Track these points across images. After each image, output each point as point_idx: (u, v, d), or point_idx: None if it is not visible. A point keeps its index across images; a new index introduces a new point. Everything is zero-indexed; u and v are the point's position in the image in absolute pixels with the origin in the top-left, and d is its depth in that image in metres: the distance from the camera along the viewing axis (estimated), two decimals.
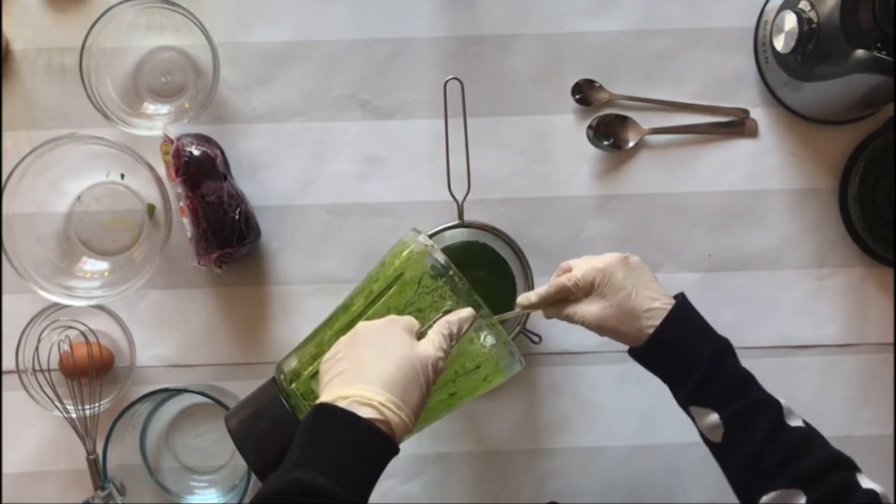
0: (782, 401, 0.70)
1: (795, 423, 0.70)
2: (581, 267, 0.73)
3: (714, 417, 0.69)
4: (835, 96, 0.87)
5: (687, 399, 0.71)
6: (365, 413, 0.59)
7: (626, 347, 0.82)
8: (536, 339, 0.87)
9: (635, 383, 0.92)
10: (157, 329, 0.92)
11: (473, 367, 0.72)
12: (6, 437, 0.91)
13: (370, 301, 0.73)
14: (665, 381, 0.73)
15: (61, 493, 0.91)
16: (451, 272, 0.70)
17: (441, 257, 0.70)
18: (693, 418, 0.71)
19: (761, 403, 0.70)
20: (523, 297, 0.76)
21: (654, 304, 0.71)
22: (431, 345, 0.64)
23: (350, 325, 0.70)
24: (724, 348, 0.71)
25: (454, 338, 0.66)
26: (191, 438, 0.93)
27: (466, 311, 0.68)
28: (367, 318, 0.70)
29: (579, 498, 0.92)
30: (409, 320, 0.67)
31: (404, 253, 0.73)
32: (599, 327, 0.73)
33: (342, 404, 0.59)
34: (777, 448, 0.68)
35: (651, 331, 0.71)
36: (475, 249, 0.89)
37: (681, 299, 0.73)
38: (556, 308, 0.75)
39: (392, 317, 0.67)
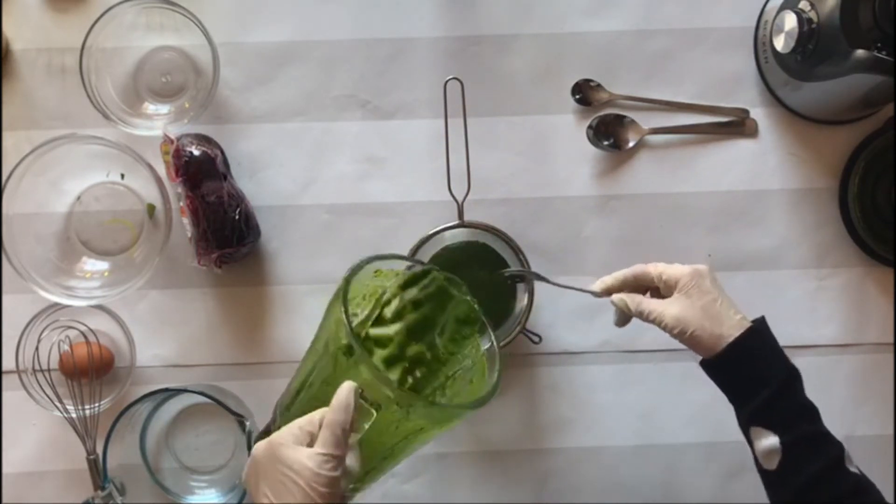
0: (844, 445, 0.69)
1: (853, 468, 0.68)
2: (673, 269, 0.73)
3: (774, 441, 0.67)
4: (835, 96, 0.87)
5: (751, 418, 0.70)
6: None
7: (639, 348, 0.82)
8: (536, 338, 0.87)
9: (635, 383, 0.92)
10: (157, 329, 0.92)
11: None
12: (6, 437, 0.91)
13: (305, 378, 0.70)
14: (731, 396, 0.71)
15: (61, 493, 0.91)
16: (356, 353, 0.63)
17: (347, 331, 0.64)
18: (751, 441, 0.70)
19: (825, 438, 0.68)
20: (599, 282, 0.76)
21: (737, 317, 0.71)
22: (310, 461, 0.60)
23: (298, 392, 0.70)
24: (796, 375, 0.70)
25: (341, 440, 0.61)
26: (191, 438, 0.93)
27: (343, 396, 0.62)
28: (295, 408, 0.69)
29: (579, 498, 0.92)
30: (294, 434, 0.62)
31: (330, 321, 0.67)
32: (678, 327, 0.71)
33: None
34: (831, 488, 0.66)
35: (730, 340, 0.70)
36: (475, 249, 0.89)
37: (762, 320, 0.72)
38: (634, 301, 0.74)
39: (276, 439, 0.63)
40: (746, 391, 0.70)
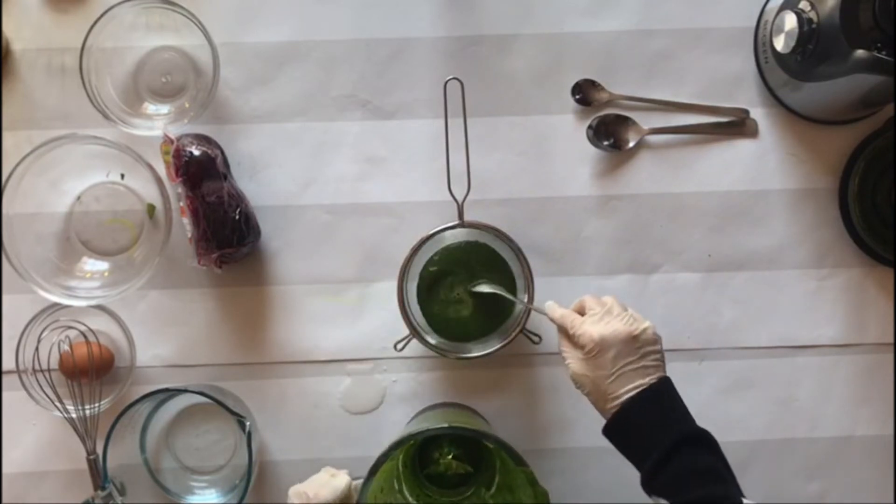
0: (750, 503, 0.66)
1: None
2: (587, 327, 0.72)
3: None
4: (835, 96, 0.87)
5: (644, 486, 0.69)
6: None
7: None
8: (536, 338, 0.87)
9: None
10: (157, 329, 0.92)
11: None
12: (6, 437, 0.91)
13: None
14: (632, 463, 0.71)
15: (61, 493, 0.91)
16: None
17: None
18: None
19: (718, 500, 0.66)
20: (552, 307, 0.77)
21: (627, 393, 0.70)
22: None
23: None
24: (688, 438, 0.69)
25: None
26: (191, 438, 0.93)
27: None
28: None
29: (580, 498, 0.92)
30: None
31: None
32: (577, 382, 0.74)
33: None
34: None
35: (610, 414, 0.70)
36: (475, 249, 0.89)
37: (655, 386, 0.70)
38: (567, 318, 0.75)
39: None
40: (636, 459, 0.70)
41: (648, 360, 0.71)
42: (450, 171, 0.84)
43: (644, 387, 0.70)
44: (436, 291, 0.89)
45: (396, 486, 0.85)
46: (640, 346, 0.71)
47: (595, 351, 0.71)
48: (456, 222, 0.85)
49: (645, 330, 0.72)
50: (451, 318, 0.89)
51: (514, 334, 0.85)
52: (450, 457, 0.86)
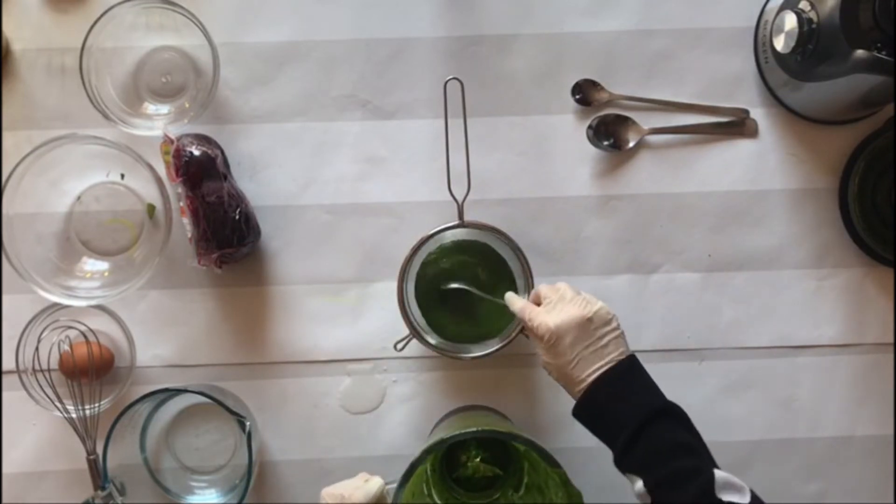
0: (723, 473, 0.67)
1: (732, 498, 0.66)
2: (543, 317, 0.74)
3: (640, 485, 0.68)
4: (835, 96, 0.87)
5: (617, 465, 0.71)
6: None
7: (639, 349, 0.86)
8: None
9: None
10: (158, 329, 0.92)
11: None
12: (6, 437, 0.91)
13: None
14: (605, 444, 0.73)
15: (61, 493, 0.91)
16: None
17: None
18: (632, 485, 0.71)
19: (689, 473, 0.67)
20: (511, 299, 0.81)
21: (590, 376, 0.72)
22: None
23: None
24: (657, 413, 0.69)
25: None
26: (191, 438, 0.93)
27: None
28: None
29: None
30: None
31: None
32: (546, 371, 0.76)
33: None
34: None
35: (577, 396, 0.72)
36: (475, 249, 0.89)
37: (619, 365, 0.72)
38: (527, 310, 0.77)
39: None
40: (608, 439, 0.71)
41: (606, 340, 0.72)
42: (450, 171, 0.84)
43: (606, 367, 0.71)
44: (435, 291, 0.89)
45: (426, 491, 0.85)
46: (596, 328, 0.73)
47: (553, 340, 0.73)
48: (456, 222, 0.85)
49: (597, 312, 0.73)
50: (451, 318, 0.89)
51: (513, 335, 0.85)
52: (477, 459, 0.86)
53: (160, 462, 0.92)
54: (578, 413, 0.73)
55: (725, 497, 0.65)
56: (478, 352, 0.86)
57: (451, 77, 0.83)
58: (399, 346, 0.85)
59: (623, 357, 0.72)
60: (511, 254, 0.87)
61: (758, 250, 0.93)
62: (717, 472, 0.66)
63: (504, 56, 0.94)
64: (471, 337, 0.89)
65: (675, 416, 0.70)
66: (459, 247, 0.89)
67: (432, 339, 0.86)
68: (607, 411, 0.71)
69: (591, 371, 0.71)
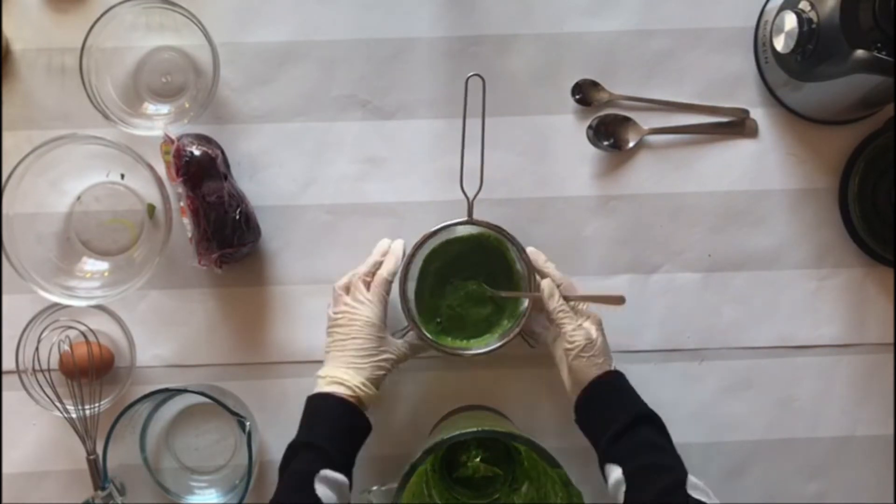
0: (693, 479, 0.73)
1: (702, 497, 0.72)
2: (587, 325, 0.82)
3: (618, 472, 0.74)
4: (835, 96, 0.87)
5: (602, 456, 0.78)
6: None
7: (639, 348, 0.92)
8: (533, 343, 0.87)
9: (635, 384, 0.92)
10: (158, 329, 0.92)
11: None
12: (6, 437, 0.91)
13: None
14: (591, 441, 0.80)
15: (61, 493, 0.91)
16: None
17: None
18: (606, 480, 0.77)
19: (666, 468, 0.74)
20: (550, 286, 0.83)
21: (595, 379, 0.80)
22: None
23: None
24: (646, 417, 0.78)
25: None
26: (191, 438, 0.93)
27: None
28: None
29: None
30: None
31: None
32: (558, 364, 0.83)
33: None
34: None
35: (584, 388, 0.80)
36: (480, 247, 0.88)
37: (618, 372, 0.81)
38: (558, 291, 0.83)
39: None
40: (599, 432, 0.79)
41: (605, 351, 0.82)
42: (464, 166, 0.83)
43: (605, 374, 0.81)
44: (438, 288, 0.88)
45: (426, 491, 0.85)
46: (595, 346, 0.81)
47: (584, 346, 0.80)
48: (465, 219, 0.84)
49: (600, 323, 0.83)
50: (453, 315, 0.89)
51: (511, 335, 0.85)
52: (477, 459, 0.86)
53: (160, 462, 0.92)
54: (580, 405, 0.81)
55: (695, 495, 0.71)
56: (477, 349, 0.86)
57: (472, 73, 0.82)
58: (398, 335, 0.85)
59: (612, 370, 0.81)
60: (516, 255, 0.86)
61: (758, 250, 0.93)
62: (690, 476, 0.73)
63: (504, 56, 0.94)
64: (470, 335, 0.89)
65: (659, 424, 0.78)
66: (464, 243, 0.88)
67: (429, 334, 0.85)
68: (606, 407, 0.80)
69: (594, 374, 0.80)
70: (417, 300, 0.87)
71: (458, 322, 0.89)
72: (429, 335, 0.85)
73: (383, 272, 0.83)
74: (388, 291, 0.83)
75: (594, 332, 0.81)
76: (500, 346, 0.85)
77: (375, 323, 0.81)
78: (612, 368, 0.81)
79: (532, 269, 0.85)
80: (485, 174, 0.91)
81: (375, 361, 0.81)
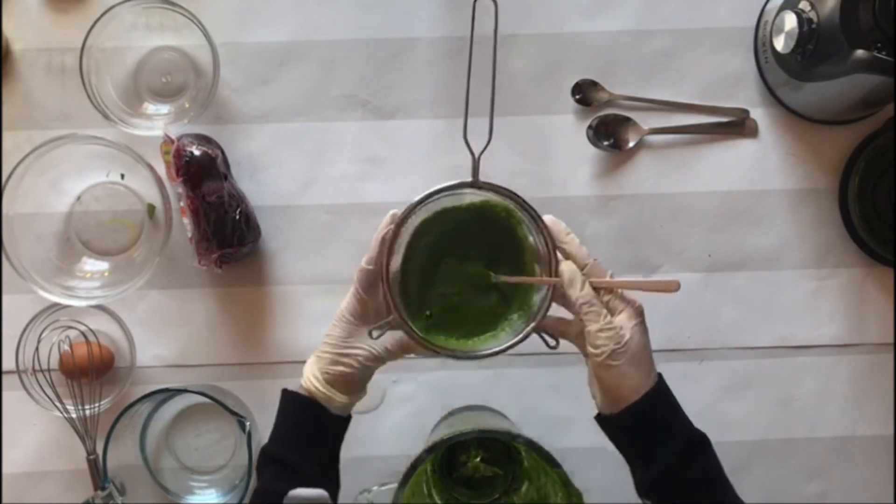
0: None
1: None
2: (611, 323, 0.67)
3: None
4: (835, 96, 0.87)
5: (643, 490, 0.67)
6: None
7: None
8: (553, 343, 0.73)
9: None
10: (158, 329, 0.92)
11: None
12: (6, 438, 0.91)
13: None
14: (628, 459, 0.68)
15: (61, 494, 0.91)
16: None
17: None
18: None
19: None
20: (570, 269, 0.69)
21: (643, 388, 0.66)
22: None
23: None
24: (698, 444, 0.66)
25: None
26: (191, 438, 0.93)
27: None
28: None
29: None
30: None
31: None
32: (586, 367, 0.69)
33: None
34: None
35: (635, 399, 0.66)
36: (484, 216, 0.73)
37: (661, 380, 0.68)
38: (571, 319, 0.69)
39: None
40: (637, 458, 0.67)
41: (649, 346, 0.69)
42: (468, 113, 0.70)
43: (651, 384, 0.67)
44: (428, 271, 0.74)
45: (426, 491, 0.85)
46: (645, 329, 0.69)
47: (612, 352, 0.66)
48: (468, 180, 0.70)
49: (642, 319, 0.70)
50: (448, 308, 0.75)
51: (525, 331, 0.71)
52: (477, 459, 0.86)
53: (160, 462, 0.92)
54: (620, 421, 0.67)
55: None
56: (480, 350, 0.72)
57: None
58: (375, 333, 0.71)
59: (658, 377, 0.68)
60: (531, 229, 0.72)
61: (758, 250, 0.93)
62: None
63: (504, 56, 0.93)
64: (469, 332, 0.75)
65: (710, 449, 0.67)
66: (463, 213, 0.73)
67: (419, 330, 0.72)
68: (654, 426, 0.66)
69: (644, 385, 0.66)
70: (403, 287, 0.73)
71: (454, 315, 0.75)
72: (417, 331, 0.71)
73: (363, 260, 0.70)
74: (367, 282, 0.70)
75: (627, 332, 0.66)
76: (510, 348, 0.72)
77: (346, 316, 0.71)
78: (654, 379, 0.67)
79: (553, 248, 0.70)
80: (485, 174, 0.91)
81: (335, 355, 0.70)
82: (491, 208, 0.73)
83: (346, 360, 0.71)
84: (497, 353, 0.72)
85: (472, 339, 0.75)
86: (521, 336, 0.71)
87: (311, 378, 0.71)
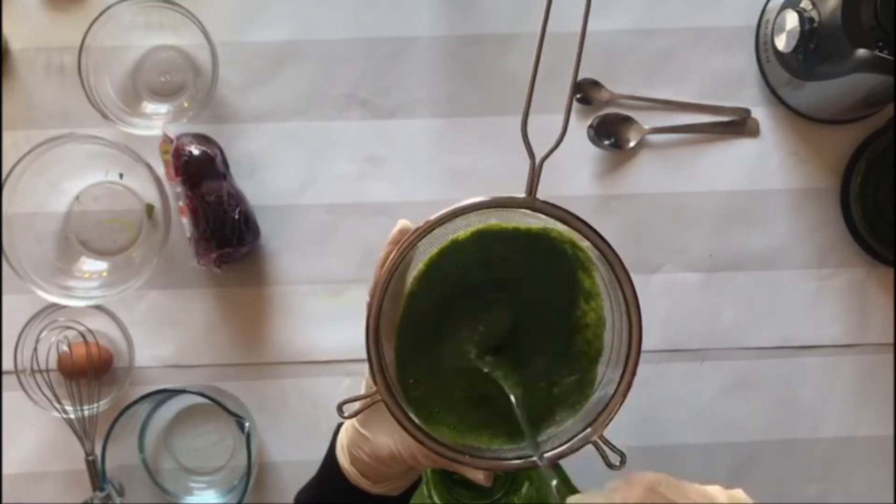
0: None
1: None
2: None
3: None
4: (836, 96, 0.87)
5: None
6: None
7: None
8: (617, 459, 0.56)
9: (635, 385, 0.92)
10: (157, 329, 0.92)
11: None
12: (4, 438, 0.91)
13: None
14: None
15: (60, 494, 0.91)
16: None
17: None
18: None
19: None
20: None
21: None
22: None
23: None
24: None
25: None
26: (190, 439, 0.93)
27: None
28: None
29: None
30: None
31: None
32: None
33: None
34: None
35: None
36: (533, 252, 0.53)
37: None
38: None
39: None
40: None
41: None
42: (528, 109, 0.55)
43: None
44: (437, 337, 0.53)
45: (426, 491, 0.85)
46: None
47: None
48: (522, 196, 0.50)
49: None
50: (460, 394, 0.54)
51: (577, 437, 0.51)
52: None
53: (159, 463, 0.92)
54: None
55: None
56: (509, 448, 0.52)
57: None
58: (345, 411, 0.52)
59: None
60: (599, 280, 0.50)
61: (759, 250, 0.93)
62: None
63: (504, 56, 0.93)
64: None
65: None
66: (502, 243, 0.51)
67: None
68: None
69: None
70: (400, 342, 0.55)
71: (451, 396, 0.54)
72: (402, 406, 0.50)
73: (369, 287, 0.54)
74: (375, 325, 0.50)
75: None
76: (556, 459, 0.52)
77: (368, 379, 0.58)
78: None
79: (638, 338, 0.47)
80: (485, 175, 0.90)
81: (356, 434, 0.56)
82: (549, 239, 0.51)
83: (360, 452, 0.56)
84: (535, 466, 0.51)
85: (469, 435, 0.56)
86: (572, 443, 0.49)
87: (340, 455, 0.60)
